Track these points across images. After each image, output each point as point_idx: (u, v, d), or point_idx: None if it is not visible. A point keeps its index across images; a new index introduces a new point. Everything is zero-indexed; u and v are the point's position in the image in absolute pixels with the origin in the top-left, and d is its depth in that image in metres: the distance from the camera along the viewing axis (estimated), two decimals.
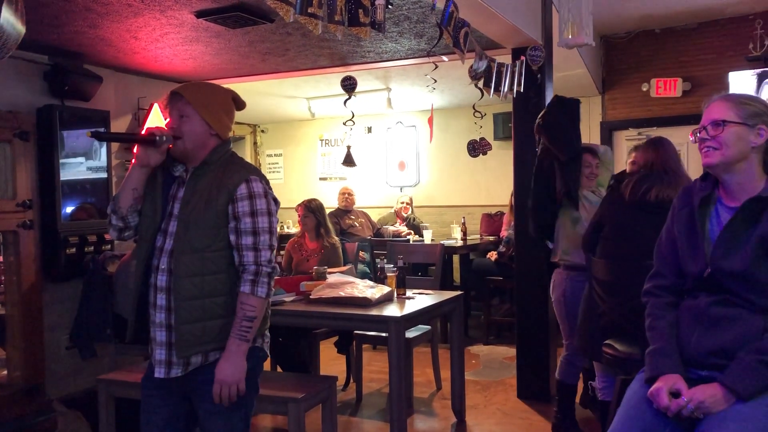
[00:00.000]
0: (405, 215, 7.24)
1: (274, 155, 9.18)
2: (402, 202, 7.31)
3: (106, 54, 4.39)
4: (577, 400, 3.87)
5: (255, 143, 9.25)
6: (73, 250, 4.19)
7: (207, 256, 2.12)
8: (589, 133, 6.94)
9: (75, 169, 4.30)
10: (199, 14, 3.56)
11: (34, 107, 4.14)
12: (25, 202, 3.79)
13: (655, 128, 6.30)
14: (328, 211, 6.36)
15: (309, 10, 2.17)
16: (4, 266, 3.86)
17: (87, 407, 3.75)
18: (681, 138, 6.52)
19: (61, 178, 4.16)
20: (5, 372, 3.86)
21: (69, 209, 4.23)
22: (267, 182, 2.23)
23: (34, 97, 4.19)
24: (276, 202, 2.22)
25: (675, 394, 1.82)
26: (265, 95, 6.81)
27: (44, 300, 3.94)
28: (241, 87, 5.75)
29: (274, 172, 9.18)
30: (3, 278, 3.88)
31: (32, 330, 3.80)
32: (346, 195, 7.14)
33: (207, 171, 2.19)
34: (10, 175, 3.78)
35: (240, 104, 2.33)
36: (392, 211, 7.40)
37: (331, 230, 4.82)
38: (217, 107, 2.23)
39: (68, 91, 4.27)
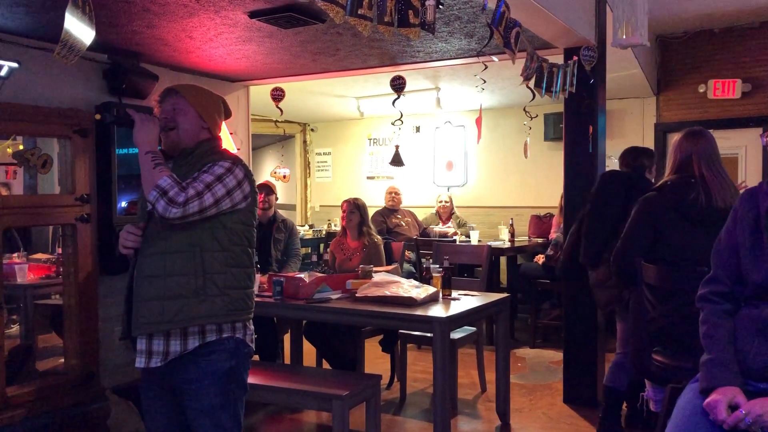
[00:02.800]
0: (446, 212, 7.16)
1: (323, 154, 9.26)
2: (440, 201, 7.27)
3: (162, 53, 4.50)
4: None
5: (304, 142, 9.35)
6: None
7: (170, 235, 2.14)
8: (643, 135, 6.80)
9: (130, 164, 4.42)
10: (253, 14, 3.62)
11: (93, 105, 4.27)
12: (83, 196, 3.91)
13: (712, 130, 6.11)
14: (374, 210, 6.39)
15: (359, 12, 2.19)
16: (62, 258, 4.00)
17: (138, 397, 3.85)
18: (739, 141, 6.34)
19: (117, 173, 4.29)
20: (63, 360, 3.99)
21: (124, 203, 4.35)
22: (243, 167, 2.24)
23: (93, 95, 4.33)
24: (240, 186, 2.19)
25: (733, 407, 1.76)
26: (315, 94, 6.88)
27: (100, 292, 4.06)
28: (291, 86, 5.82)
29: (322, 170, 9.26)
30: (62, 270, 4.01)
31: (88, 320, 3.92)
32: (393, 194, 7.15)
33: (189, 161, 2.26)
34: (70, 170, 3.90)
35: (228, 111, 2.44)
36: (433, 211, 7.37)
37: (372, 229, 4.86)
38: (209, 104, 2.33)
39: (125, 89, 4.40)
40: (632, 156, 3.71)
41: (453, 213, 7.26)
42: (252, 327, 2.31)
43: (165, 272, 2.12)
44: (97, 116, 3.76)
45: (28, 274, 4.20)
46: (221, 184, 2.14)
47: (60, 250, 4.17)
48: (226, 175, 2.16)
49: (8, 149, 4.06)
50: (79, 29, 2.09)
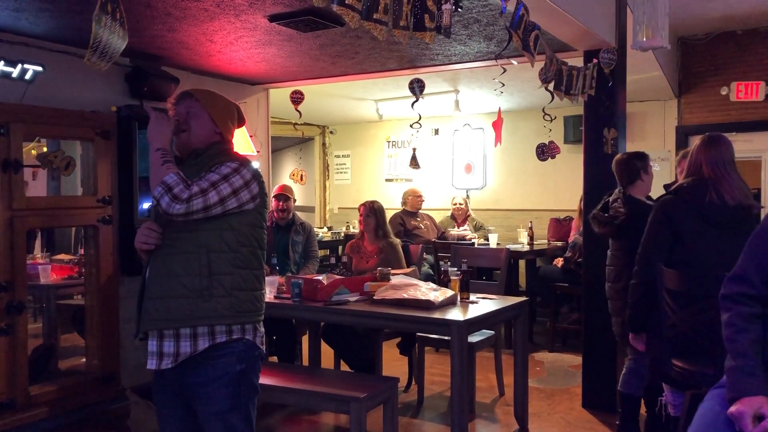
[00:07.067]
0: (461, 215, 7.12)
1: (342, 156, 9.29)
2: (455, 203, 7.23)
3: (183, 56, 4.55)
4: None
5: (324, 144, 9.38)
6: None
7: (178, 236, 2.16)
8: (664, 137, 6.74)
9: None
10: (272, 18, 3.64)
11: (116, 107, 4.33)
12: (105, 198, 3.95)
13: (734, 133, 6.05)
14: (393, 212, 6.37)
15: (374, 16, 2.19)
16: (84, 259, 4.04)
17: None
18: (762, 144, 6.26)
19: (138, 175, 4.33)
20: (84, 360, 4.04)
21: (146, 205, 4.39)
22: (251, 169, 2.23)
23: (115, 98, 4.39)
24: (248, 186, 2.19)
25: (759, 418, 1.72)
26: (334, 97, 6.90)
27: (120, 292, 4.10)
28: (310, 89, 5.85)
29: (341, 172, 9.29)
30: (84, 270, 4.06)
31: (109, 321, 3.96)
32: (419, 198, 7.04)
33: (199, 161, 2.27)
34: (92, 172, 3.95)
35: (242, 118, 2.45)
36: (449, 215, 7.33)
37: (389, 233, 4.84)
38: (223, 110, 2.35)
39: (147, 92, 4.46)
40: (624, 160, 3.77)
41: (468, 215, 7.23)
42: (262, 329, 2.31)
43: (172, 272, 2.15)
44: (113, 108, 3.86)
45: (51, 274, 4.26)
46: (227, 183, 2.14)
47: (82, 251, 4.22)
48: (232, 175, 2.16)
49: (32, 151, 4.12)
50: (110, 35, 2.11)
